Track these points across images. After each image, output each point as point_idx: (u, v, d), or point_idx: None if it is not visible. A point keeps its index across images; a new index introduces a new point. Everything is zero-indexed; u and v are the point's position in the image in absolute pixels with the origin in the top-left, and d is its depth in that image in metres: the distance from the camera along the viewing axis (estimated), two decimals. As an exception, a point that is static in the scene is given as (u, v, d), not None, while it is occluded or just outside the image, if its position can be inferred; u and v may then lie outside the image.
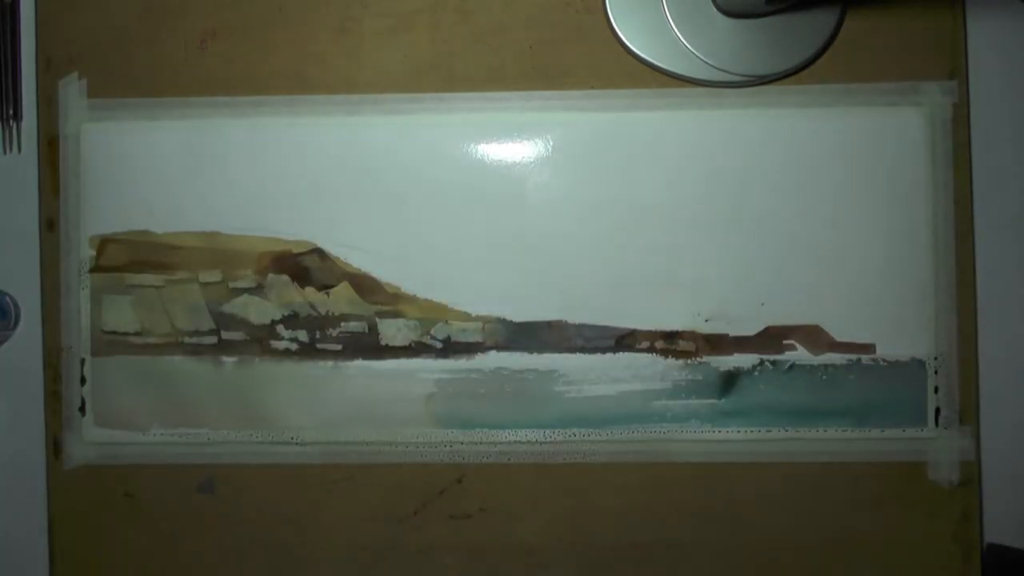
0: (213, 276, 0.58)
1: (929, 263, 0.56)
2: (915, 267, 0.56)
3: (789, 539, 0.56)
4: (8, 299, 0.58)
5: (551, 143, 0.57)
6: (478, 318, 0.57)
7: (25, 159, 0.59)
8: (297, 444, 0.57)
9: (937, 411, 0.56)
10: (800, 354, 0.56)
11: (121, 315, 0.58)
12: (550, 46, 0.57)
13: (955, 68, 0.56)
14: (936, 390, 0.56)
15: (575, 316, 0.57)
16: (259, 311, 0.58)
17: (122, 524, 0.58)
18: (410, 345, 0.57)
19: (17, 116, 0.59)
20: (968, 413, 0.56)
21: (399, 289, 0.57)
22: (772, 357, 0.56)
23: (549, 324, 0.57)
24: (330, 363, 0.57)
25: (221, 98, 0.58)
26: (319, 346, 0.57)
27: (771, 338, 0.56)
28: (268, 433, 0.57)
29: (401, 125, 0.57)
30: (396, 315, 0.57)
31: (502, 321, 0.57)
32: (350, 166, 0.57)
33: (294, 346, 0.57)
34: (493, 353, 0.57)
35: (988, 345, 0.56)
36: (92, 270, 0.58)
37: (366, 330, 0.57)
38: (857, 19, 0.56)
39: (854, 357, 0.56)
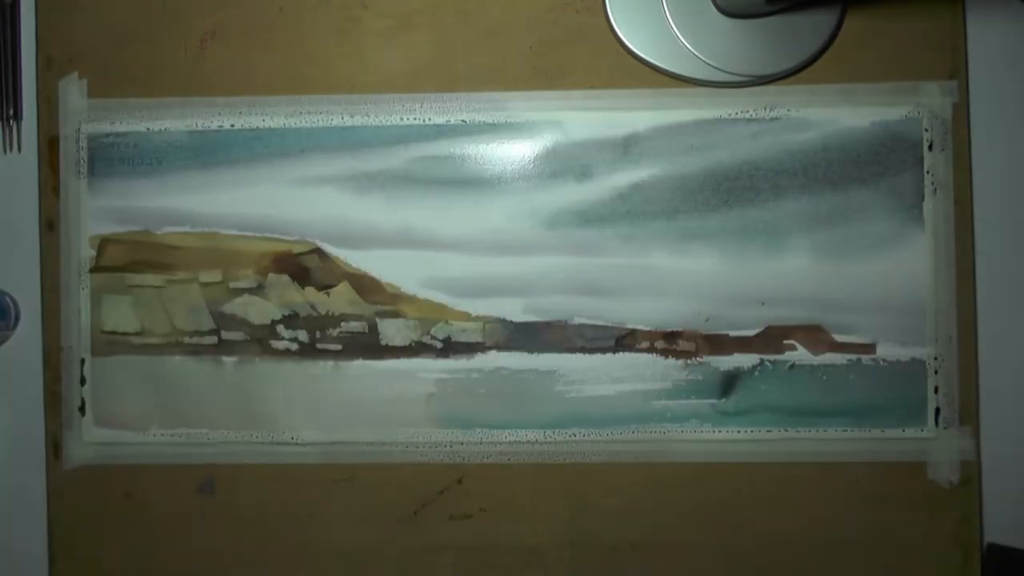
0: (213, 276, 0.58)
1: (929, 263, 0.56)
2: (915, 267, 0.56)
3: (789, 539, 0.56)
4: (8, 299, 0.58)
5: (551, 143, 0.57)
6: (478, 318, 0.57)
7: (25, 159, 0.59)
8: (297, 444, 0.57)
9: (937, 411, 0.56)
10: (800, 354, 0.56)
11: (121, 315, 0.58)
12: (550, 46, 0.57)
13: (955, 68, 0.56)
14: (936, 390, 0.56)
15: (575, 316, 0.57)
16: (259, 311, 0.58)
17: (122, 524, 0.58)
18: (410, 345, 0.57)
19: (17, 116, 0.59)
20: (968, 413, 0.56)
21: (399, 289, 0.57)
22: (772, 357, 0.56)
23: (549, 324, 0.57)
24: (330, 363, 0.57)
25: (221, 98, 0.58)
26: (319, 346, 0.57)
27: (771, 338, 0.56)
28: (268, 433, 0.57)
29: (401, 125, 0.57)
30: (396, 315, 0.57)
31: (502, 321, 0.57)
32: (350, 166, 0.57)
33: (294, 346, 0.57)
34: (493, 353, 0.57)
35: (988, 345, 0.56)
36: (92, 270, 0.58)
37: (366, 330, 0.57)
38: (857, 19, 0.56)
39: (854, 357, 0.56)
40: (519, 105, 0.57)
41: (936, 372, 0.56)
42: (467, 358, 0.57)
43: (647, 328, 0.57)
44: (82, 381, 0.58)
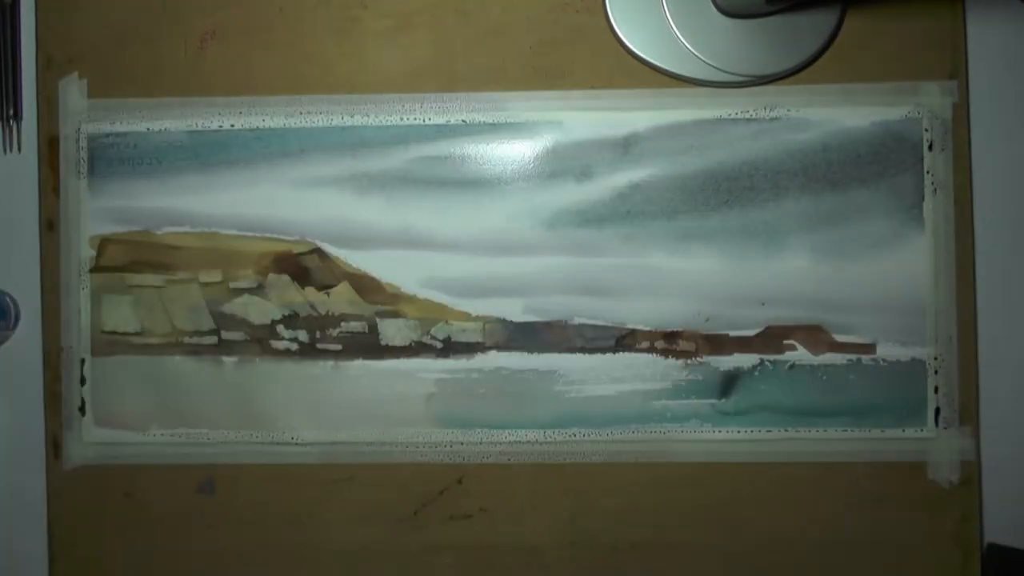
0: (213, 276, 0.58)
1: (929, 263, 0.56)
2: (915, 267, 0.56)
3: (789, 539, 0.56)
4: (8, 299, 0.58)
5: (551, 143, 0.57)
6: (478, 318, 0.57)
7: (25, 159, 0.59)
8: (297, 444, 0.57)
9: (937, 411, 0.56)
10: (800, 354, 0.56)
11: (121, 315, 0.58)
12: (550, 46, 0.57)
13: (955, 68, 0.56)
14: (936, 390, 0.56)
15: (575, 316, 0.57)
16: (259, 311, 0.58)
17: (122, 524, 0.58)
18: (410, 345, 0.57)
19: (17, 116, 0.59)
20: (968, 413, 0.56)
21: (399, 289, 0.57)
22: (772, 357, 0.56)
23: (549, 324, 0.57)
24: (330, 363, 0.57)
25: (221, 98, 0.58)
26: (319, 346, 0.57)
27: (771, 338, 0.56)
28: (268, 433, 0.57)
29: (401, 125, 0.57)
30: (396, 315, 0.57)
31: (502, 321, 0.57)
32: (350, 166, 0.57)
33: (294, 346, 0.57)
34: (493, 353, 0.57)
35: (988, 345, 0.56)
36: (92, 270, 0.58)
37: (366, 330, 0.57)
38: (857, 19, 0.56)
39: (854, 357, 0.56)
40: (519, 105, 0.57)
41: (936, 372, 0.56)
42: (467, 358, 0.57)
43: (647, 328, 0.57)
44: (82, 381, 0.58)
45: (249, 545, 0.58)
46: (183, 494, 0.58)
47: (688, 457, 0.57)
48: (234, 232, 0.57)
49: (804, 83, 0.56)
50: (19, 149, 0.59)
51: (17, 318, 0.58)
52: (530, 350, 0.57)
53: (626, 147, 0.57)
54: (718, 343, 0.56)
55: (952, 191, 0.56)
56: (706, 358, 0.56)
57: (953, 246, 0.56)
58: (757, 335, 0.56)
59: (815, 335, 0.56)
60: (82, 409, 0.58)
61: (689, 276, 0.56)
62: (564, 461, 0.57)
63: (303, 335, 0.57)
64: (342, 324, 0.57)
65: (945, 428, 0.56)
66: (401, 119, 0.57)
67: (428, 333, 0.57)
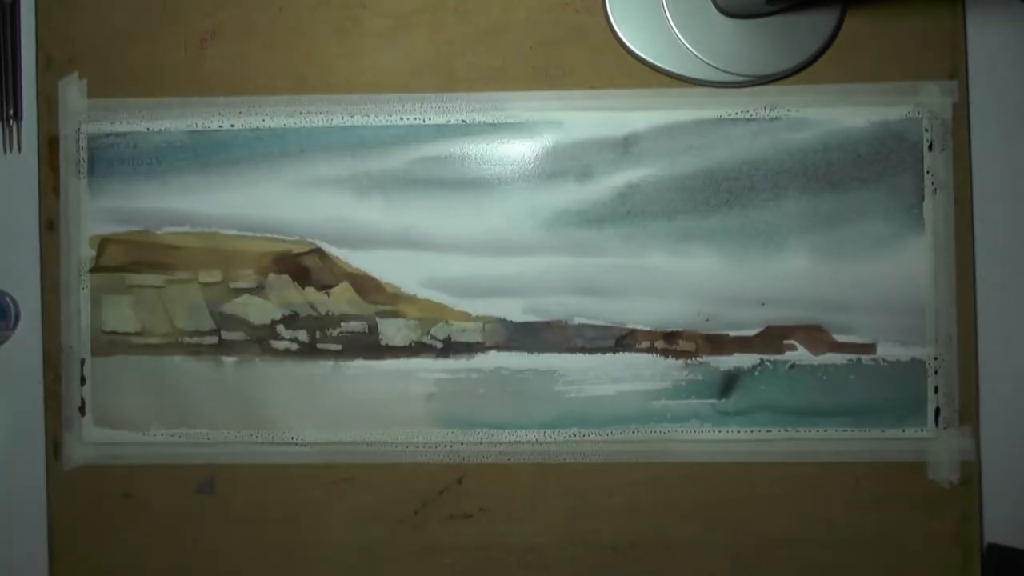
0: (213, 276, 0.58)
1: (929, 263, 0.56)
2: (915, 267, 0.56)
3: (789, 539, 0.56)
4: (8, 299, 0.58)
5: (551, 143, 0.57)
6: (478, 318, 0.57)
7: (25, 159, 0.59)
8: (297, 444, 0.57)
9: (937, 411, 0.56)
10: (800, 354, 0.56)
11: (121, 315, 0.58)
12: (550, 46, 0.57)
13: (955, 68, 0.56)
14: (936, 390, 0.56)
15: (575, 316, 0.57)
16: (259, 311, 0.58)
17: (122, 524, 0.58)
18: (410, 345, 0.57)
19: (17, 116, 0.59)
20: (968, 413, 0.56)
21: (399, 289, 0.57)
22: (772, 357, 0.56)
23: (549, 324, 0.57)
24: (330, 363, 0.57)
25: (221, 98, 0.58)
26: (319, 346, 0.57)
27: (771, 338, 0.56)
28: (268, 433, 0.57)
29: (401, 125, 0.57)
30: (396, 315, 0.57)
31: (502, 321, 0.57)
32: (350, 166, 0.57)
33: (294, 346, 0.57)
34: (493, 353, 0.57)
35: (988, 345, 0.56)
36: (92, 270, 0.58)
37: (366, 330, 0.57)
38: (857, 19, 0.56)
39: (854, 357, 0.56)
40: (519, 105, 0.57)
41: (936, 372, 0.56)
42: (467, 358, 0.57)
43: (647, 328, 0.57)
44: (82, 381, 0.58)
45: (249, 545, 0.58)
46: (183, 494, 0.58)
47: (688, 457, 0.57)
48: (234, 232, 0.58)
49: (804, 83, 0.56)
50: (19, 149, 0.59)
51: (17, 318, 0.58)
52: (530, 350, 0.57)
53: (626, 147, 0.57)
54: (718, 343, 0.56)
55: (952, 191, 0.56)
56: (706, 358, 0.56)
57: (953, 246, 0.56)
58: (757, 335, 0.56)
59: (815, 335, 0.56)
60: (82, 409, 0.58)
61: (689, 276, 0.56)
62: (564, 461, 0.57)
63: (303, 335, 0.57)
64: (342, 324, 0.57)
65: (945, 428, 0.56)
66: (401, 119, 0.57)
67: (428, 333, 0.57)
